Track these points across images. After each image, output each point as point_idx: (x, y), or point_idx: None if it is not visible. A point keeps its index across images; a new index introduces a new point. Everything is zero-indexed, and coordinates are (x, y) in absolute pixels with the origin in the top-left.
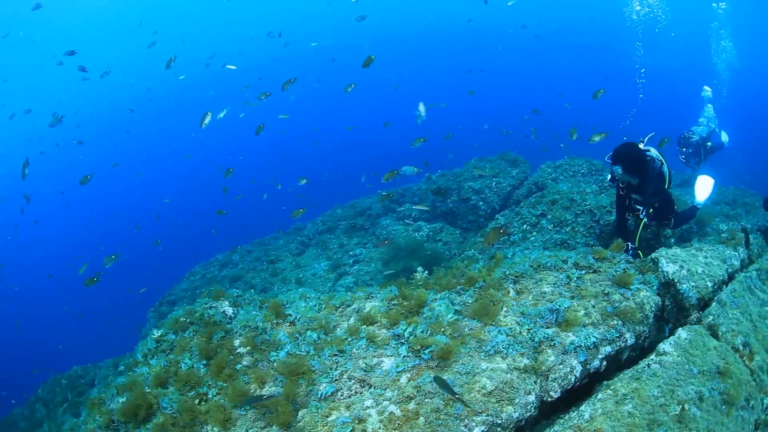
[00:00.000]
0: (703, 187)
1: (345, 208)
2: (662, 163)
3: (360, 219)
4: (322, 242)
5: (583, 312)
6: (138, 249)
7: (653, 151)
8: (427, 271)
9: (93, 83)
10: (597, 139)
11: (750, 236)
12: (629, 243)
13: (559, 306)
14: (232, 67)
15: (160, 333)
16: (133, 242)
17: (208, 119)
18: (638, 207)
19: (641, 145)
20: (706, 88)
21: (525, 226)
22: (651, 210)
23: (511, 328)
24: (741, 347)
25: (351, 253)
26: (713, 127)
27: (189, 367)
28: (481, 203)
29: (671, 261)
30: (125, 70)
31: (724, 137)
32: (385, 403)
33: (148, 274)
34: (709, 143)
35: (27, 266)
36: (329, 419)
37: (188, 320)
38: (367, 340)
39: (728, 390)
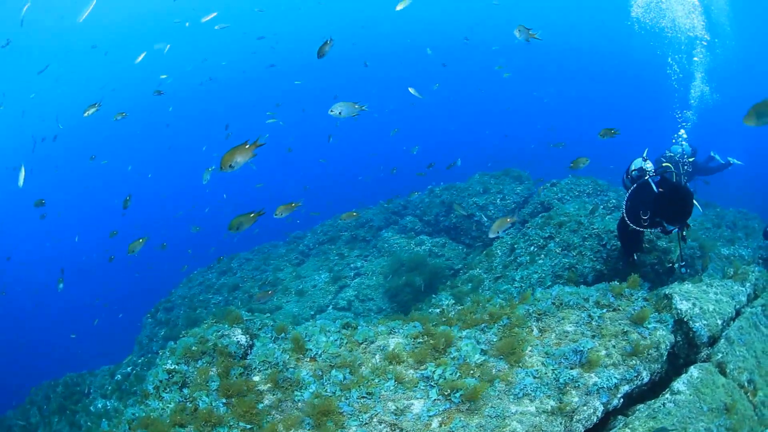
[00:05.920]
0: None
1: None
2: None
3: (361, 230)
4: (322, 252)
5: (604, 352)
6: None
7: (649, 164)
8: (446, 300)
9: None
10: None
11: (755, 269)
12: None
13: (583, 347)
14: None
15: (171, 363)
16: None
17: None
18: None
19: (648, 164)
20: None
21: (532, 248)
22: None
23: (537, 370)
24: (746, 384)
25: (352, 265)
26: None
27: (208, 405)
28: (485, 219)
29: (685, 298)
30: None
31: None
32: None
33: (141, 278)
34: (692, 158)
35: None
36: None
37: (200, 350)
38: (395, 381)
39: (733, 426)
